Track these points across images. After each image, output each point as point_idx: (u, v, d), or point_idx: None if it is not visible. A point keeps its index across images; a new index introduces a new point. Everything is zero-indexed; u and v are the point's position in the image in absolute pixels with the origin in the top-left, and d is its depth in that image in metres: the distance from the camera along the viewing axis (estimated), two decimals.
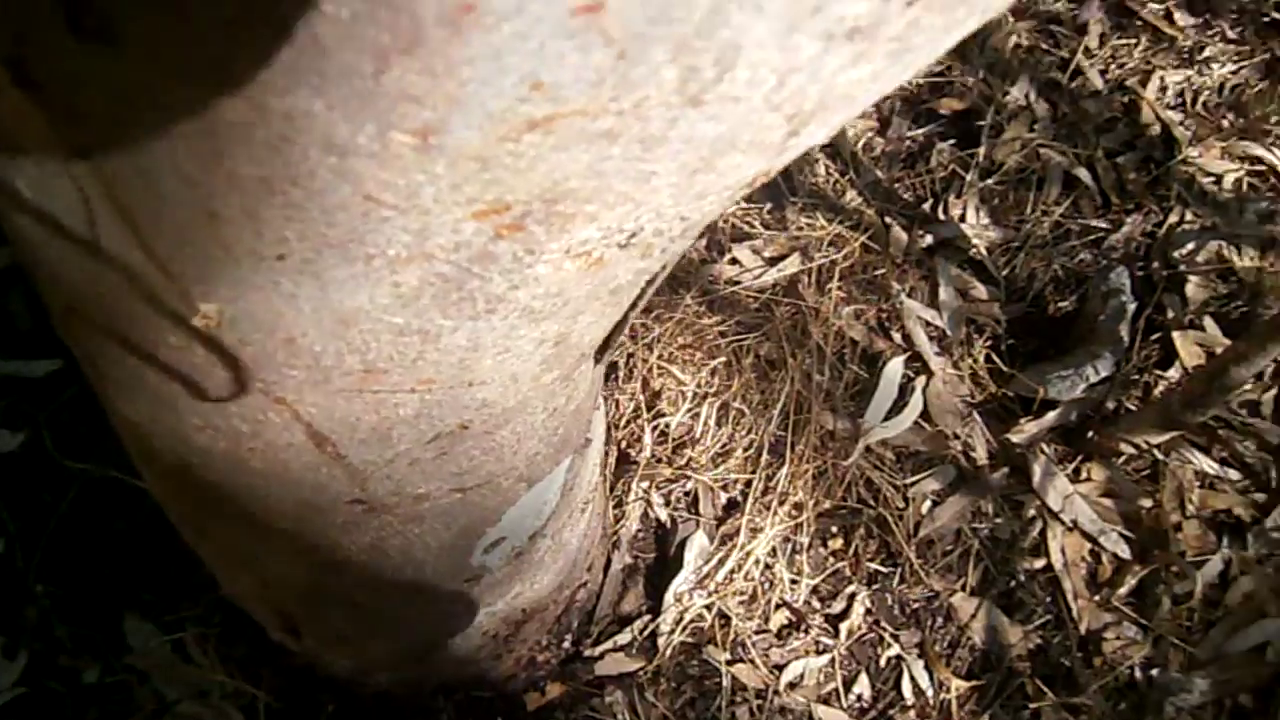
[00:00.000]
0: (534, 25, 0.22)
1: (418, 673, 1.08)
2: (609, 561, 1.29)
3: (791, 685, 1.24)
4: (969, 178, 1.52)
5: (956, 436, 1.38)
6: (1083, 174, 1.54)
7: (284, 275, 0.35)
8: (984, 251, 1.48)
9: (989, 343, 1.43)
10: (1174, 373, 1.43)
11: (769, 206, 1.50)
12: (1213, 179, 1.54)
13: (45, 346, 1.35)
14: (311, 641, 0.97)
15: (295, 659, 1.12)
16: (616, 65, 0.23)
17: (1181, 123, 1.58)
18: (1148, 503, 1.36)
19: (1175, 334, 1.45)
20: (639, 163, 0.28)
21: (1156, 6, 1.67)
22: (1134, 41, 1.64)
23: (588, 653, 1.25)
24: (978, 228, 1.50)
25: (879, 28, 0.24)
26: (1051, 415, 1.38)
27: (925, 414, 1.39)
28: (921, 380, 1.40)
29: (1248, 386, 1.42)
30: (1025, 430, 1.38)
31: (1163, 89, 1.60)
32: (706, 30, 0.23)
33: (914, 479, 1.36)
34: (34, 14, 0.26)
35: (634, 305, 0.62)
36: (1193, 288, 1.49)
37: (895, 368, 1.39)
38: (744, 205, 1.49)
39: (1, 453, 1.30)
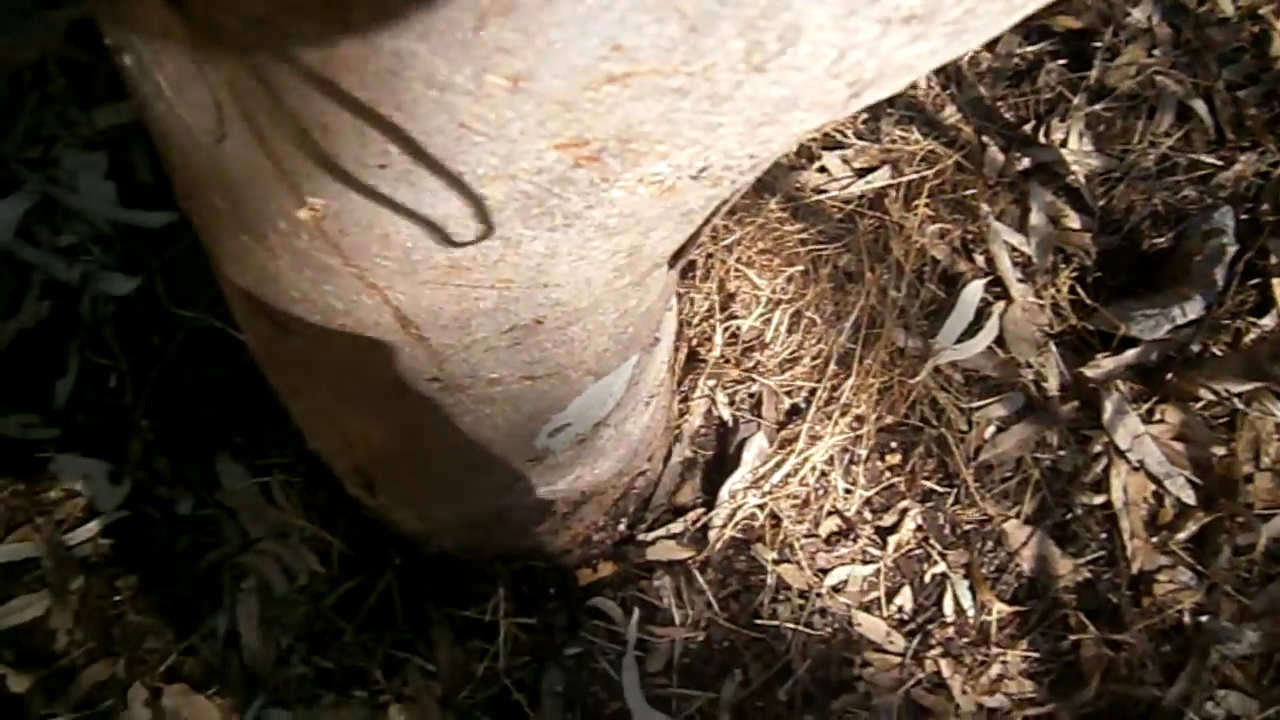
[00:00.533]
0: (591, 20, 0.24)
1: (479, 539, 1.15)
2: (669, 453, 1.34)
3: (835, 589, 1.28)
4: (1076, 100, 1.48)
5: (1029, 365, 1.38)
6: (1199, 105, 1.49)
7: (383, 181, 0.39)
8: (1082, 179, 1.45)
9: (1075, 274, 1.41)
10: (1269, 321, 1.40)
11: (864, 116, 1.48)
12: None
13: (163, 199, 1.43)
14: (384, 499, 1.04)
15: (369, 513, 1.20)
16: (688, 36, 0.26)
17: None
18: (1221, 450, 1.36)
19: (1275, 281, 1.41)
20: (707, 115, 0.31)
21: None
22: None
23: (641, 537, 1.31)
24: (1079, 154, 1.46)
25: (935, 15, 0.26)
26: (1131, 353, 1.37)
27: (1000, 340, 1.39)
28: (1000, 306, 1.39)
29: None
30: (1102, 365, 1.38)
31: None
32: (771, 12, 0.25)
33: (980, 403, 1.37)
34: None
35: (707, 221, 0.64)
36: None
37: (974, 290, 1.39)
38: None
39: (116, 295, 1.38)
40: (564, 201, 0.40)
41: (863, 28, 0.26)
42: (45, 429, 1.35)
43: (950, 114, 1.49)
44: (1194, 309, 1.34)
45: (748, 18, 0.25)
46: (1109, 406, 1.36)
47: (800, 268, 1.39)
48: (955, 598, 1.30)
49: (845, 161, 1.46)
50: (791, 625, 1.26)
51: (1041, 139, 1.47)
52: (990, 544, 1.33)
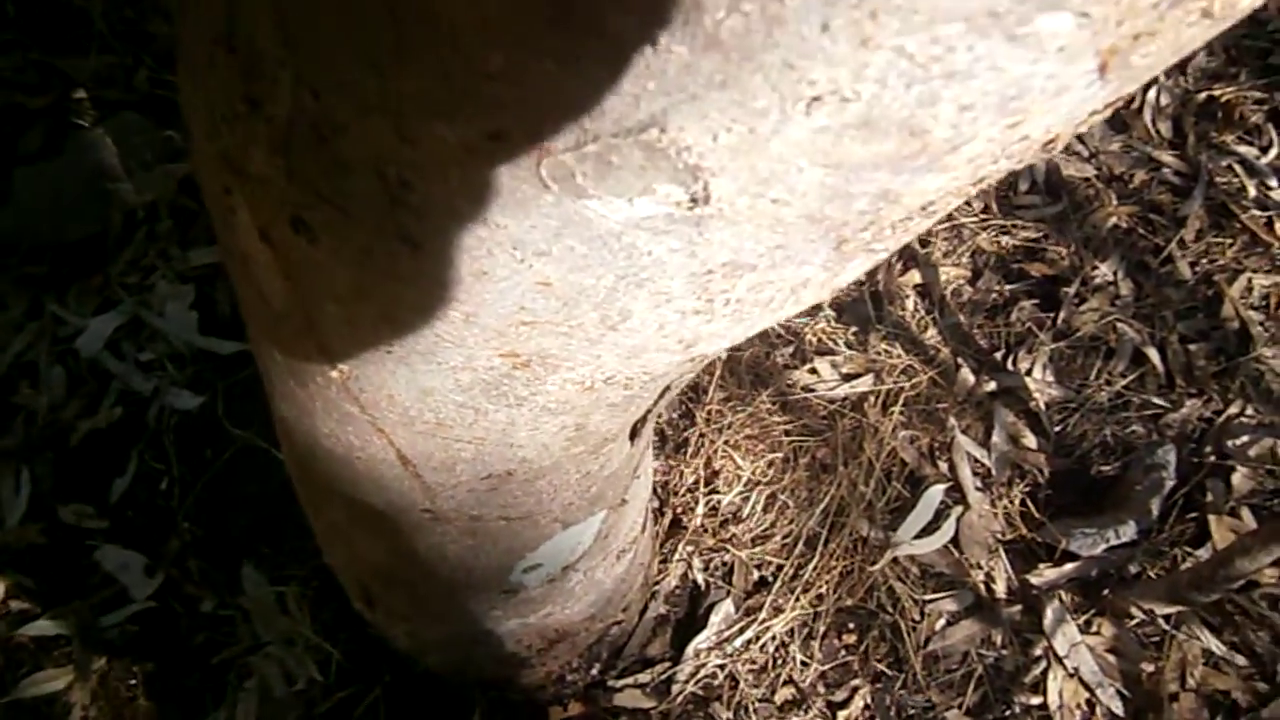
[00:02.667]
0: (507, 292, 0.43)
1: (460, 661, 1.29)
2: (646, 608, 1.48)
3: None
4: (1042, 336, 1.67)
5: (980, 566, 1.52)
6: (1153, 353, 1.66)
7: (390, 361, 0.57)
8: (1042, 406, 1.62)
9: (1028, 489, 1.56)
10: (1204, 552, 1.53)
11: (855, 329, 1.67)
12: None
13: (235, 331, 1.64)
14: (381, 614, 1.20)
15: (369, 629, 1.35)
16: (563, 308, 0.44)
17: (1261, 323, 1.68)
18: (1150, 668, 1.47)
19: (1211, 517, 1.55)
20: (589, 349, 0.49)
21: (1259, 213, 1.77)
22: (1229, 241, 1.75)
23: (611, 682, 1.44)
24: (1041, 383, 1.63)
25: (714, 308, 0.44)
26: (1071, 566, 1.50)
27: (955, 540, 1.53)
28: (958, 510, 1.54)
29: (1270, 579, 1.51)
30: (1045, 575, 1.51)
31: (1248, 289, 1.70)
32: (610, 300, 0.43)
33: (933, 596, 1.50)
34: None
35: (652, 408, 0.82)
36: (1239, 478, 1.58)
37: (935, 493, 1.54)
38: (833, 323, 1.67)
39: (181, 409, 1.59)
40: (513, 388, 0.58)
41: (668, 314, 0.45)
42: (97, 520, 1.53)
43: (931, 335, 1.68)
44: (1128, 533, 1.48)
45: (595, 301, 0.43)
46: (1050, 614, 1.48)
47: (781, 455, 1.56)
48: None
49: (834, 366, 1.65)
50: None
51: (1009, 366, 1.65)
52: None
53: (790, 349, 1.65)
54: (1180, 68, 1.94)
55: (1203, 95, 1.91)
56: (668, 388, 0.74)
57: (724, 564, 1.50)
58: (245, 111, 0.45)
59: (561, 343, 0.48)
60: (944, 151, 0.31)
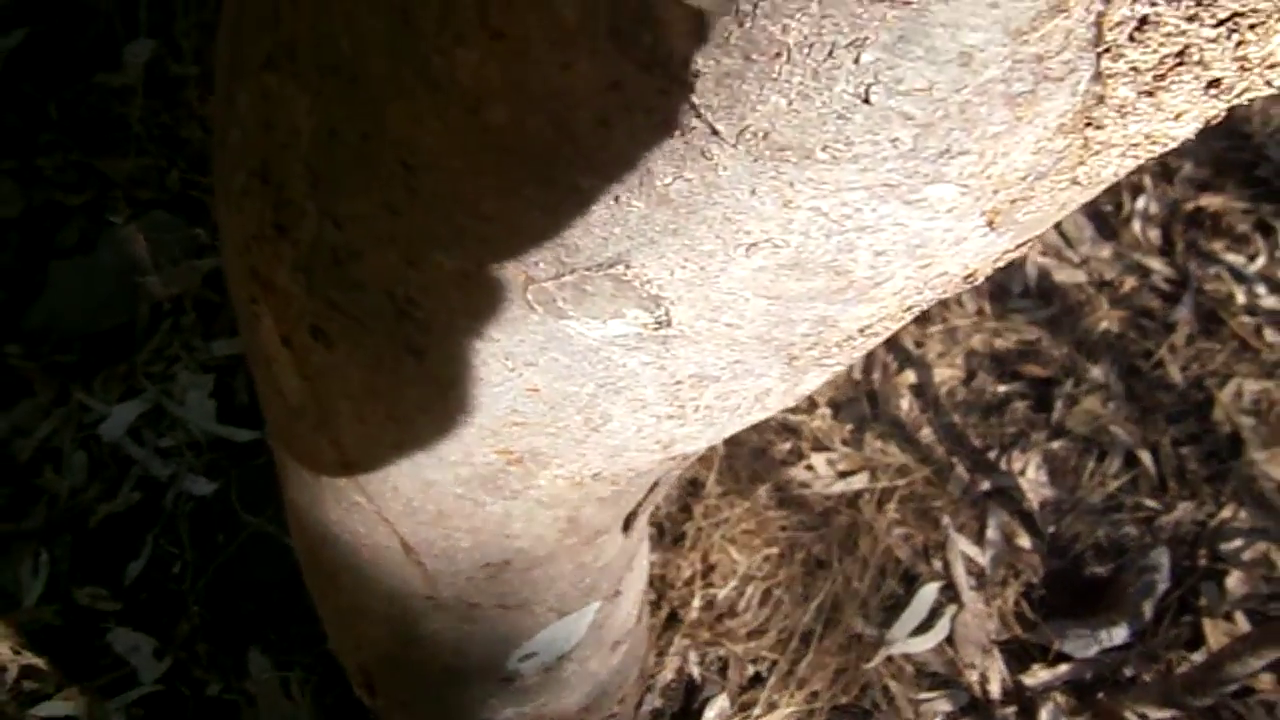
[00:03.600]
0: (501, 396, 0.48)
1: None
2: (641, 701, 1.49)
3: None
4: (1036, 437, 1.71)
5: (974, 666, 1.53)
6: (1145, 456, 1.69)
7: (394, 453, 0.62)
8: (1036, 506, 1.65)
9: (1022, 589, 1.59)
10: (1199, 656, 1.54)
11: (851, 426, 1.72)
12: (1274, 485, 1.67)
13: (251, 419, 1.70)
14: (382, 701, 1.22)
15: (369, 717, 1.37)
16: (550, 411, 0.50)
17: (1253, 428, 1.72)
18: None
19: (1206, 620, 1.56)
20: (575, 447, 0.54)
21: (1247, 320, 1.83)
22: (1219, 347, 1.80)
23: None
24: (1034, 484, 1.67)
25: (685, 412, 0.50)
26: (1065, 668, 1.52)
27: (950, 639, 1.55)
28: (952, 608, 1.56)
29: (1265, 684, 1.52)
30: (1039, 676, 1.52)
31: (1239, 394, 1.75)
32: (591, 405, 0.48)
33: (928, 696, 1.52)
34: None
35: (643, 501, 0.87)
36: (1233, 581, 1.60)
37: (929, 592, 1.56)
38: (829, 421, 1.72)
39: (197, 495, 1.64)
40: (508, 482, 0.63)
41: (644, 418, 0.50)
42: (110, 602, 1.57)
43: (927, 434, 1.72)
44: (1120, 635, 1.50)
45: (579, 406, 0.49)
46: (1044, 716, 1.49)
47: (778, 550, 1.59)
48: None
49: (830, 463, 1.69)
50: None
51: (1003, 466, 1.69)
52: None
53: (788, 445, 1.69)
54: (1168, 177, 2.02)
55: (1190, 205, 1.98)
56: (656, 483, 0.79)
57: (719, 658, 1.52)
58: (274, 235, 0.51)
59: (550, 441, 0.53)
60: (868, 287, 0.37)
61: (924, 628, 1.55)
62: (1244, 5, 0.24)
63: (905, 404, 1.75)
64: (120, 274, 1.85)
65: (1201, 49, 0.25)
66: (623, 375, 0.46)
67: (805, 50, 0.25)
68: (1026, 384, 1.78)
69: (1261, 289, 1.87)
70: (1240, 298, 1.86)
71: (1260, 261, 1.91)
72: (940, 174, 0.30)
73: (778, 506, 1.63)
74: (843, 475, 1.67)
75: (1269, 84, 0.28)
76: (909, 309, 0.42)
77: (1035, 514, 1.65)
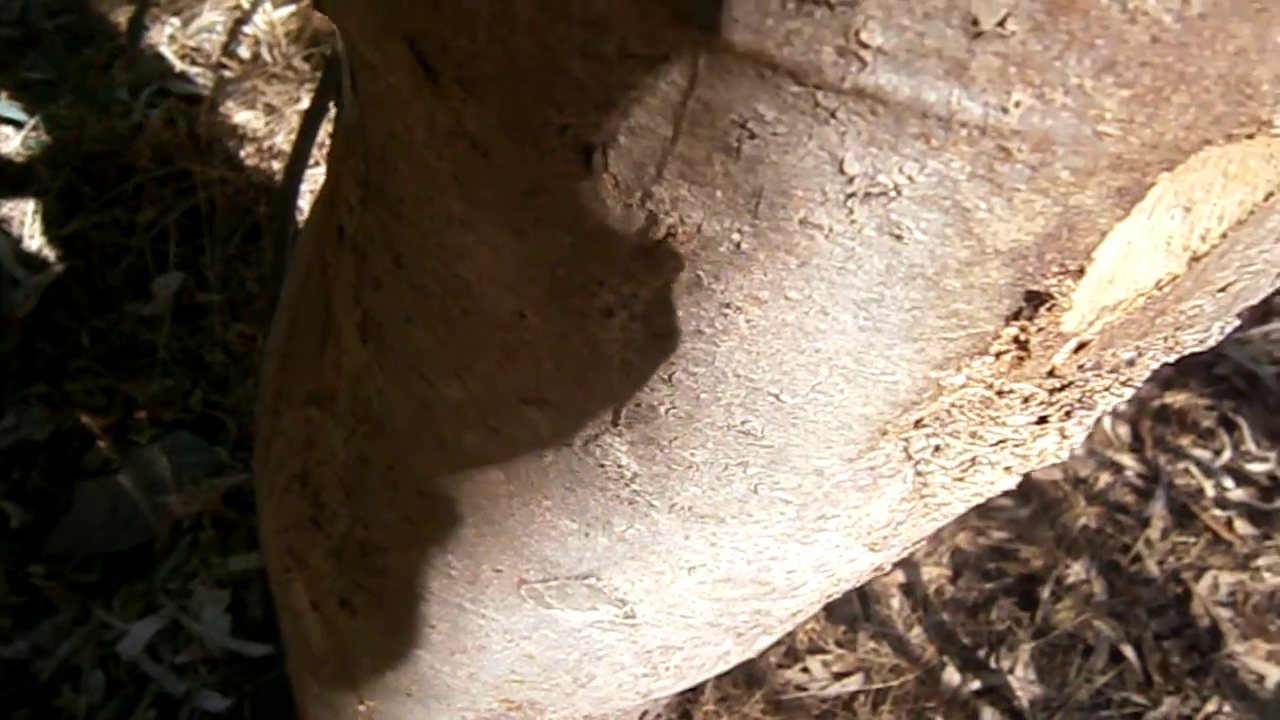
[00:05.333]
0: (501, 660, 0.58)
1: None
2: None
3: None
4: (1022, 635, 1.76)
5: None
6: (1129, 651, 1.75)
7: (409, 702, 0.71)
8: (1025, 704, 1.69)
9: None
10: None
11: (844, 628, 1.78)
12: (1255, 677, 1.71)
13: (264, 634, 1.77)
14: None
15: None
16: (542, 673, 0.59)
17: (1230, 620, 1.77)
18: None
19: None
20: (567, 698, 0.63)
21: (1219, 513, 1.91)
22: (1193, 540, 1.87)
23: None
24: (1023, 681, 1.72)
25: (658, 671, 0.59)
26: None
27: None
28: None
29: None
30: None
31: (1215, 587, 1.81)
32: (579, 667, 0.58)
33: None
34: None
35: None
36: None
37: None
38: (822, 622, 1.78)
39: (211, 711, 1.68)
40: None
41: (624, 677, 0.59)
42: None
43: (917, 633, 1.78)
44: None
45: (567, 669, 0.58)
46: None
47: None
48: None
49: (825, 665, 1.74)
50: None
51: (992, 664, 1.74)
52: None
53: (783, 648, 1.75)
54: None
55: (1157, 402, 2.10)
56: (645, 712, 0.87)
57: None
58: (310, 526, 0.61)
59: (544, 694, 0.62)
60: (789, 591, 0.47)
61: None
62: (1011, 433, 0.35)
63: (896, 603, 1.81)
64: (142, 495, 1.95)
65: (988, 457, 0.36)
66: (602, 647, 0.55)
67: (709, 465, 0.36)
68: (1011, 581, 1.85)
69: (1229, 482, 1.96)
70: (1210, 491, 1.95)
71: (1226, 455, 2.01)
72: (822, 527, 0.40)
73: (775, 711, 1.67)
74: (838, 677, 1.72)
75: (1046, 462, 0.38)
76: (829, 597, 0.51)
77: (1025, 712, 1.68)
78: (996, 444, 0.36)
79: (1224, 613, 1.78)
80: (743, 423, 0.34)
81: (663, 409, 0.34)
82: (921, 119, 0.22)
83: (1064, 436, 0.35)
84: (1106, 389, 0.32)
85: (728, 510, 0.39)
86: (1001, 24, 0.19)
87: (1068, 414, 0.33)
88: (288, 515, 0.65)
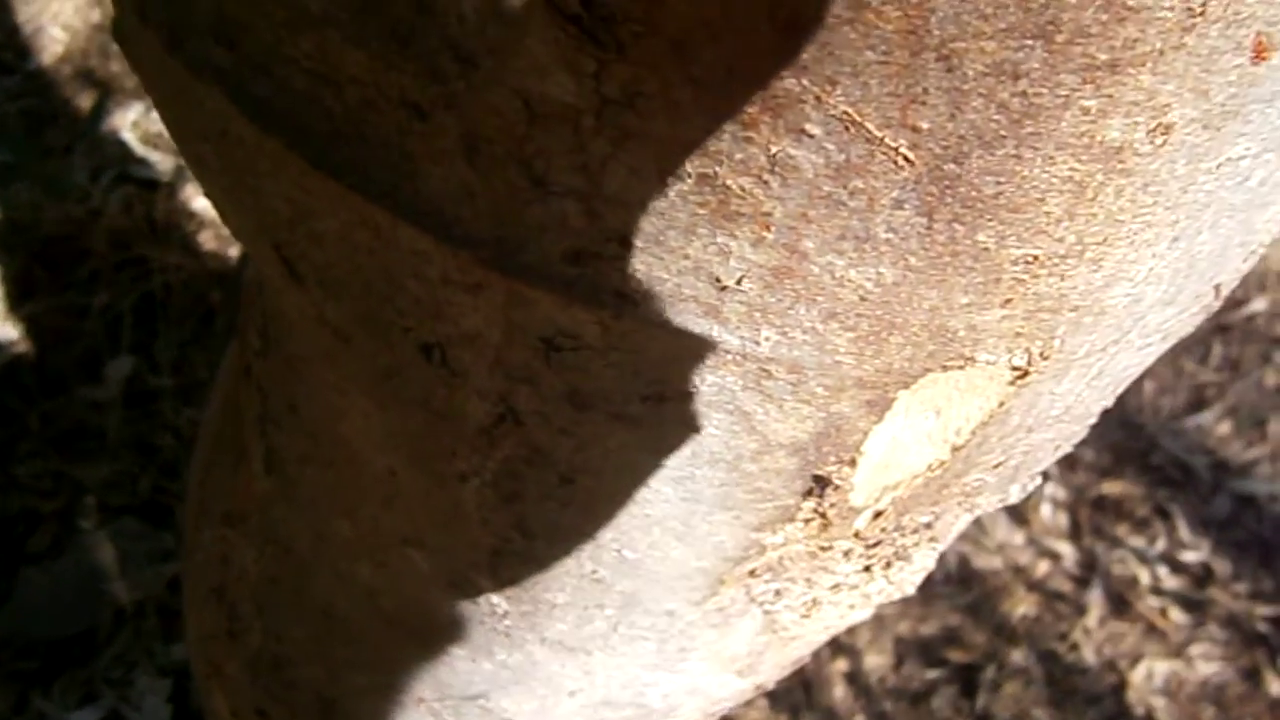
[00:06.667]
0: None
1: None
2: None
3: None
4: None
5: None
6: None
7: None
8: None
9: None
10: None
11: (786, 716, 1.79)
12: None
13: None
14: None
15: None
16: None
17: (1165, 708, 1.80)
18: None
19: None
20: None
21: (1154, 601, 1.95)
22: (1129, 628, 1.91)
23: None
24: None
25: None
26: None
27: None
28: None
29: None
30: None
31: (1150, 675, 1.84)
32: None
33: None
34: None
35: None
36: None
37: None
38: (766, 711, 1.79)
39: None
40: None
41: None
42: None
43: None
44: None
45: None
46: None
47: None
48: None
49: None
50: None
51: None
52: None
53: None
54: (1071, 465, 2.19)
55: (1094, 491, 2.15)
56: None
57: None
58: (227, 638, 0.63)
59: None
60: (667, 713, 0.50)
61: None
62: (842, 578, 0.39)
63: (839, 692, 1.83)
64: (87, 580, 1.93)
65: (827, 598, 0.40)
66: None
67: (570, 606, 0.39)
68: (952, 670, 1.87)
69: (1164, 571, 2.00)
70: (1145, 579, 1.99)
71: (1161, 544, 2.06)
72: (685, 658, 0.43)
73: None
74: None
75: (889, 599, 0.42)
76: (713, 715, 0.54)
77: None
78: (832, 588, 0.39)
79: (1158, 701, 1.81)
80: (593, 572, 0.37)
81: (522, 558, 0.37)
82: (694, 343, 0.25)
83: (891, 582, 0.38)
84: (916, 545, 0.36)
85: (594, 644, 0.42)
86: (739, 282, 0.23)
87: (888, 565, 0.37)
88: (206, 625, 0.66)
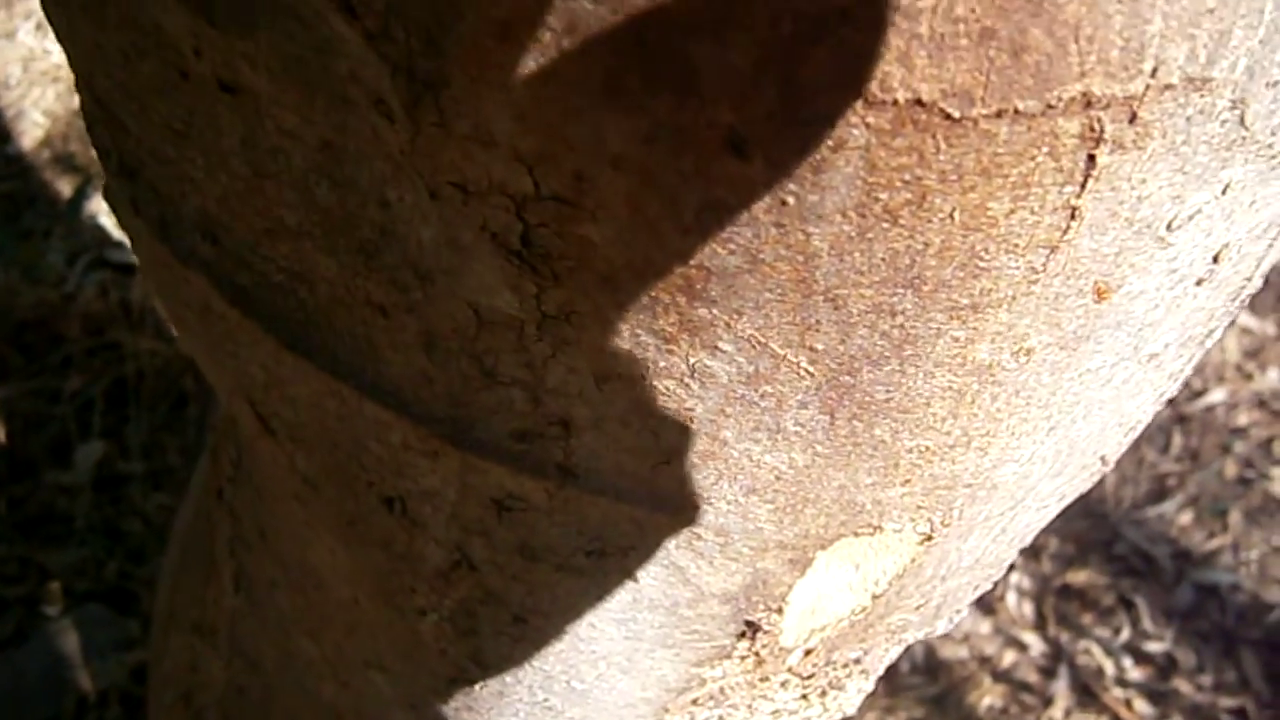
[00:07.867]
0: None
1: None
2: None
3: None
4: None
5: None
6: None
7: None
8: None
9: None
10: None
11: None
12: None
13: None
14: None
15: None
16: None
17: None
18: None
19: None
20: None
21: (1119, 692, 1.96)
22: (1095, 719, 1.92)
23: None
24: None
25: None
26: None
27: None
28: None
29: None
30: None
31: None
32: None
33: None
34: None
35: None
36: None
37: None
38: None
39: None
40: None
41: None
42: None
43: None
44: None
45: None
46: None
47: None
48: None
49: None
50: None
51: None
52: None
53: None
54: (1035, 555, 2.22)
55: (1059, 580, 2.17)
56: None
57: None
58: None
59: None
60: None
61: None
62: (781, 705, 0.41)
63: None
64: (50, 668, 1.90)
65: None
66: None
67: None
68: None
69: (1128, 661, 2.02)
70: (1110, 669, 2.01)
71: (1125, 634, 2.08)
72: None
73: None
74: None
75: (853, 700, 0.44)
76: None
77: None
78: (772, 714, 0.41)
79: None
80: (544, 700, 0.39)
81: (477, 686, 0.39)
82: (630, 510, 0.28)
83: (827, 709, 0.41)
84: (849, 675, 0.38)
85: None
86: (668, 462, 0.26)
87: (823, 693, 0.39)
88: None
